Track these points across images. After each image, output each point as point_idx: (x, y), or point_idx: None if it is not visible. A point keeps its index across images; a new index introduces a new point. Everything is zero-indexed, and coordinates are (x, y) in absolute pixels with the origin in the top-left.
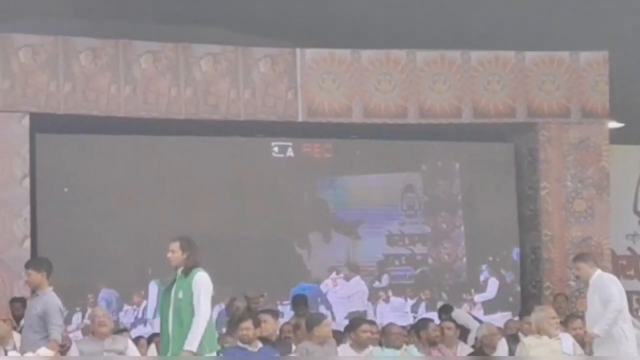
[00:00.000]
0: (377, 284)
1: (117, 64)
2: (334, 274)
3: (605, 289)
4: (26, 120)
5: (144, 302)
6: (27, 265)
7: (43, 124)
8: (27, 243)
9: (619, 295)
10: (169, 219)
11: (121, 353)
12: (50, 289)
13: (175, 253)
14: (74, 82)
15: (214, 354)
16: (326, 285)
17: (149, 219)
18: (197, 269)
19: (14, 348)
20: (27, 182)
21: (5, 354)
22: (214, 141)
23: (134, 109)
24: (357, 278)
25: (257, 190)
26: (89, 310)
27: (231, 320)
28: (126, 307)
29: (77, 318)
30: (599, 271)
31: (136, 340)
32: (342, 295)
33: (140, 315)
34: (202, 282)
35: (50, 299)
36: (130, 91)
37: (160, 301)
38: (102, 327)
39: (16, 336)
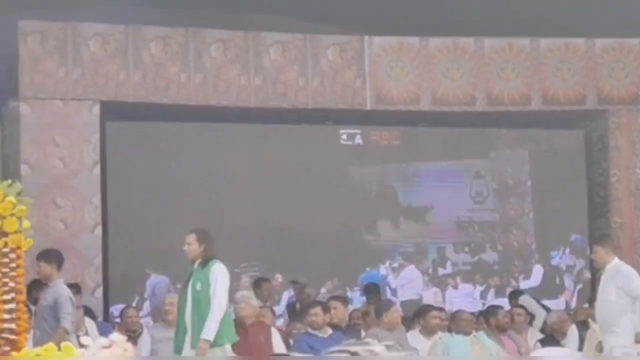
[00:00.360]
0: (441, 270)
1: (187, 52)
2: (387, 263)
3: (631, 283)
4: (97, 109)
5: None
6: (38, 257)
7: (113, 112)
8: (98, 230)
9: None
10: (237, 207)
11: None
12: (61, 280)
13: (192, 245)
14: (144, 71)
15: (229, 345)
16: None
17: (217, 206)
18: (214, 261)
19: (86, 334)
20: (97, 169)
21: (78, 339)
22: (282, 129)
23: (203, 97)
24: (411, 267)
25: (325, 178)
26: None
27: (302, 307)
28: None
29: (147, 304)
30: (616, 259)
31: None
32: (396, 284)
33: None
34: (219, 273)
35: (60, 290)
36: (201, 79)
37: (179, 295)
38: (171, 313)
39: (88, 322)
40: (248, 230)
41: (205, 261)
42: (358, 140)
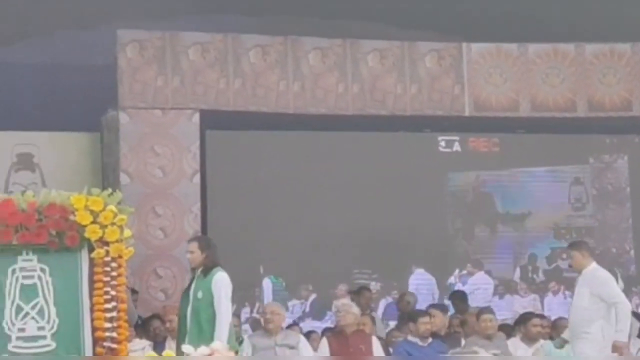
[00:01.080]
0: (539, 277)
1: (285, 60)
2: (456, 271)
3: (605, 287)
4: (196, 117)
5: (312, 296)
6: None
7: (213, 121)
8: None
9: (621, 294)
10: (336, 215)
11: (292, 348)
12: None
13: (194, 253)
14: (243, 79)
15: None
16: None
17: (316, 214)
18: (216, 269)
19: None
20: (197, 178)
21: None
22: (380, 136)
23: (302, 105)
24: (481, 273)
25: (423, 185)
26: (257, 305)
27: (402, 314)
28: (294, 301)
29: (245, 312)
30: (594, 264)
31: (307, 335)
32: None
33: (307, 309)
34: (222, 282)
35: None
36: (299, 87)
37: (180, 301)
38: (272, 322)
39: None
40: (346, 238)
41: (208, 269)
42: (456, 147)
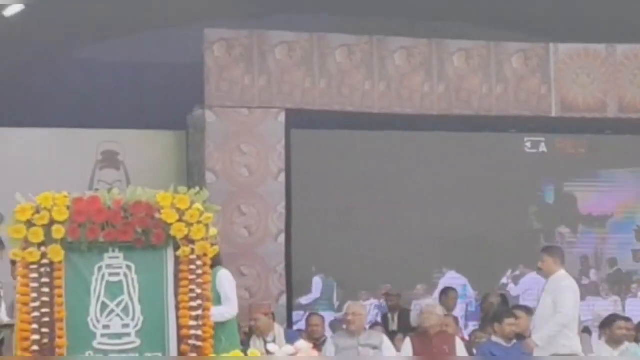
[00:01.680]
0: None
1: (371, 60)
2: (509, 272)
3: (560, 295)
4: (282, 117)
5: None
6: None
7: (298, 120)
8: (282, 238)
9: (573, 307)
10: (419, 216)
11: (376, 348)
12: None
13: None
14: (329, 79)
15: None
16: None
17: (399, 215)
18: (218, 268)
19: (274, 340)
20: (282, 177)
21: (265, 344)
22: (465, 137)
23: (387, 105)
24: (532, 274)
25: (508, 186)
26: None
27: (486, 315)
28: (372, 300)
29: (330, 315)
30: (562, 272)
31: (391, 335)
32: (517, 292)
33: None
34: (226, 279)
35: None
36: (385, 87)
37: None
38: (354, 323)
39: (277, 329)
40: (427, 238)
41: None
42: (542, 148)
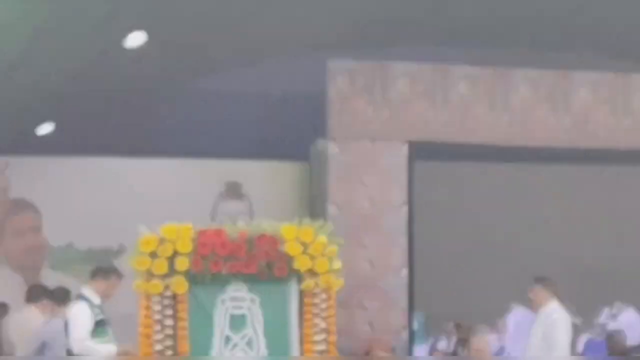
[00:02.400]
0: None
1: (494, 91)
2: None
3: (554, 331)
4: (405, 149)
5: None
6: None
7: (421, 152)
8: (404, 271)
9: (567, 341)
10: (540, 247)
11: None
12: None
13: (101, 283)
14: (452, 110)
15: None
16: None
17: (526, 248)
18: None
19: None
20: (405, 209)
21: None
22: (591, 170)
23: (512, 137)
24: (630, 310)
25: (633, 219)
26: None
27: (611, 352)
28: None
29: (443, 344)
30: (554, 304)
31: None
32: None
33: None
34: None
35: None
36: (509, 119)
37: None
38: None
39: None
40: (559, 271)
41: None
42: None
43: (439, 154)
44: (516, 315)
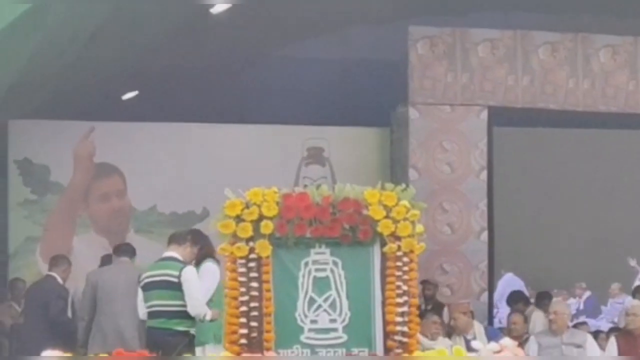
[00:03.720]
0: None
1: (575, 57)
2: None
3: None
4: (484, 114)
5: (586, 294)
6: None
7: (500, 118)
8: (484, 235)
9: None
10: (618, 213)
11: (579, 347)
12: None
13: (186, 249)
14: (532, 76)
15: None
16: None
17: (602, 214)
18: (206, 260)
19: (474, 338)
20: (484, 174)
21: (467, 343)
22: None
23: (592, 103)
24: None
25: None
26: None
27: None
28: (570, 300)
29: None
30: None
31: (594, 334)
32: None
33: (581, 307)
34: (206, 271)
35: None
36: (589, 85)
37: None
38: (556, 322)
39: (477, 326)
40: (625, 237)
41: (199, 262)
42: None
43: (518, 119)
44: None
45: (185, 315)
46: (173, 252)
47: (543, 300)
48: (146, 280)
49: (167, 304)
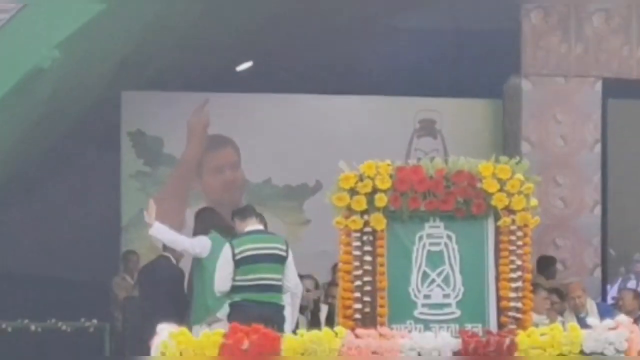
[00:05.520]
0: None
1: None
2: None
3: None
4: (599, 86)
5: None
6: None
7: (615, 89)
8: (598, 209)
9: None
10: None
11: None
12: None
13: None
14: None
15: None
16: None
17: None
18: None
19: (587, 315)
20: (598, 147)
21: (580, 321)
22: None
23: None
24: None
25: None
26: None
27: None
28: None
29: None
30: None
31: None
32: None
33: None
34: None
35: None
36: None
37: None
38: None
39: (589, 303)
40: None
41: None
42: None
43: (633, 92)
44: None
45: (282, 290)
46: (260, 225)
47: None
48: (249, 253)
49: (276, 278)
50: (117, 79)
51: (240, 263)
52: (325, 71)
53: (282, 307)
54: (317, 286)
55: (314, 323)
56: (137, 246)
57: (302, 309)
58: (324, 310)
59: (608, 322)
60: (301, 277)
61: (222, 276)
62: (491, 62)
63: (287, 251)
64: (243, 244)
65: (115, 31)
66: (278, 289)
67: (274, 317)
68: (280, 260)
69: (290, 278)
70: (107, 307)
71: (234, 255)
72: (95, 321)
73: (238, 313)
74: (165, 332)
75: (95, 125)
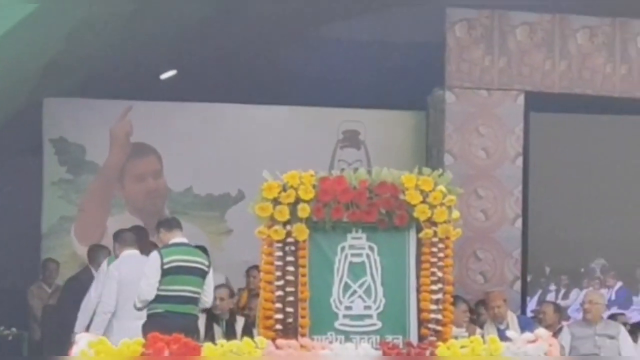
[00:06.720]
0: None
1: (613, 43)
2: None
3: None
4: (521, 99)
5: (617, 284)
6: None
7: (538, 103)
8: (519, 222)
9: None
10: None
11: (612, 338)
12: None
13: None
14: (569, 61)
15: None
16: None
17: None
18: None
19: (508, 327)
20: (520, 161)
21: (499, 332)
22: None
23: (629, 89)
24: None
25: None
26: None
27: None
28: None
29: (550, 297)
30: None
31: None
32: None
33: (612, 298)
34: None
35: None
36: (626, 70)
37: None
38: (591, 312)
39: (510, 316)
40: None
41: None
42: None
43: (555, 105)
44: None
45: (198, 302)
46: (184, 238)
47: None
48: (176, 264)
49: (197, 291)
50: (40, 87)
51: (167, 273)
52: (249, 81)
53: (197, 318)
54: (231, 294)
55: (229, 333)
56: (57, 254)
57: (217, 319)
58: (240, 321)
59: (527, 335)
60: (216, 287)
61: (151, 284)
62: (416, 74)
63: (209, 267)
64: (172, 254)
65: (39, 37)
66: (196, 302)
67: (190, 328)
68: (203, 274)
69: (208, 293)
70: (26, 315)
71: (162, 264)
72: (14, 329)
73: (155, 323)
74: (84, 341)
75: (17, 131)
